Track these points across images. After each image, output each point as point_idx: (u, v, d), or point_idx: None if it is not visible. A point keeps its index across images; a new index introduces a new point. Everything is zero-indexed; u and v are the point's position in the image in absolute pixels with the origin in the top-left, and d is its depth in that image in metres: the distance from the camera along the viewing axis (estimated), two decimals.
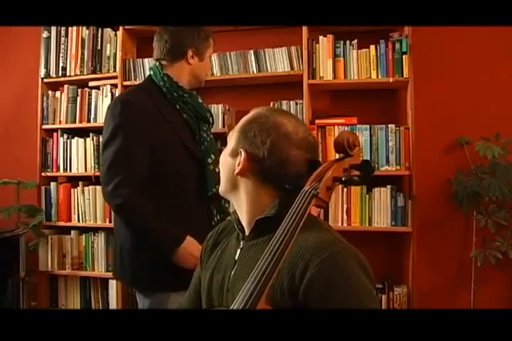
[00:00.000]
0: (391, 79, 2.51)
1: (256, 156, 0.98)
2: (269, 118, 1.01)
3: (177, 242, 1.61)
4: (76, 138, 2.89)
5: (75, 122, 2.89)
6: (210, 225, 1.71)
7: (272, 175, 0.98)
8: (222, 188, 1.08)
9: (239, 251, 1.04)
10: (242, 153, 1.00)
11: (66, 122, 2.90)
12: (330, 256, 0.88)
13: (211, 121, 1.89)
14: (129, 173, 1.61)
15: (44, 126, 2.94)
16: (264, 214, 0.98)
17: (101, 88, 2.85)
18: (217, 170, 1.63)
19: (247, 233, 1.03)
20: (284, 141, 0.98)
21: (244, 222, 1.04)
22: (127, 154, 1.62)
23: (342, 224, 2.53)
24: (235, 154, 1.02)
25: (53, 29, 2.92)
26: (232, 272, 1.02)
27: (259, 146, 0.98)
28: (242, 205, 1.04)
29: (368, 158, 2.50)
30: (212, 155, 1.77)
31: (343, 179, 0.97)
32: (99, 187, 2.83)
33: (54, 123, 2.93)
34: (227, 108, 2.75)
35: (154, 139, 1.66)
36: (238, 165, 1.00)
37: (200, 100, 1.86)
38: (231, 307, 0.87)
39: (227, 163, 1.04)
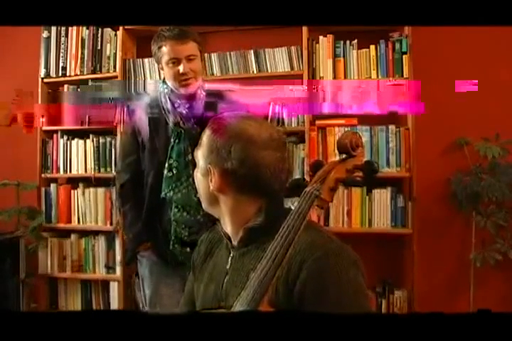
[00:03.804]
0: (391, 79, 2.51)
1: (226, 169, 0.96)
2: (227, 127, 0.98)
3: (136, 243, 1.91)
4: (76, 139, 2.88)
5: None
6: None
7: (249, 183, 0.96)
8: (203, 205, 1.06)
9: (230, 260, 1.02)
10: (212, 169, 0.98)
11: None
12: (322, 256, 0.88)
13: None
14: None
15: (44, 127, 2.93)
16: (252, 223, 0.97)
17: None
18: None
19: (234, 242, 1.02)
20: (249, 145, 0.95)
21: (229, 232, 1.03)
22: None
23: (343, 225, 2.53)
24: (205, 173, 1.00)
25: (53, 29, 2.91)
26: (225, 281, 1.01)
27: (226, 158, 0.95)
28: (225, 217, 1.02)
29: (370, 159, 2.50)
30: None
31: (347, 180, 0.96)
32: (99, 189, 2.83)
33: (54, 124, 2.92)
34: None
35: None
36: (211, 182, 0.98)
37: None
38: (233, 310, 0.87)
39: (201, 182, 1.03)
